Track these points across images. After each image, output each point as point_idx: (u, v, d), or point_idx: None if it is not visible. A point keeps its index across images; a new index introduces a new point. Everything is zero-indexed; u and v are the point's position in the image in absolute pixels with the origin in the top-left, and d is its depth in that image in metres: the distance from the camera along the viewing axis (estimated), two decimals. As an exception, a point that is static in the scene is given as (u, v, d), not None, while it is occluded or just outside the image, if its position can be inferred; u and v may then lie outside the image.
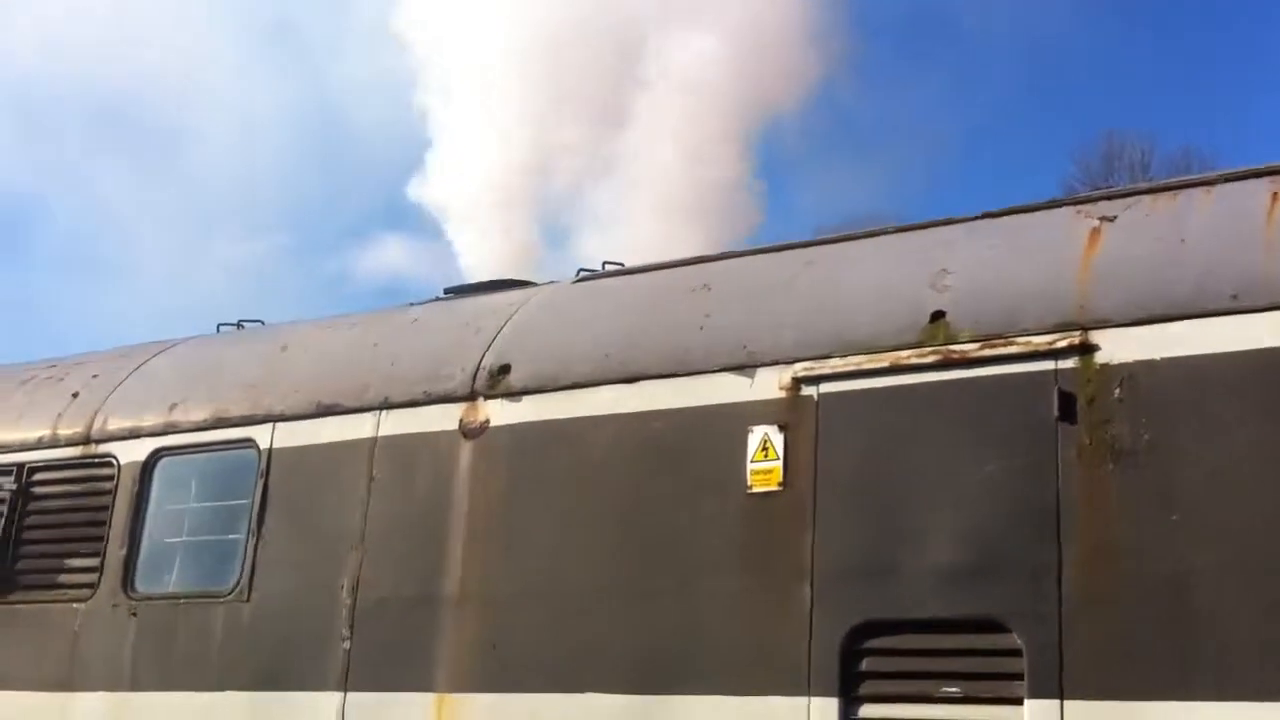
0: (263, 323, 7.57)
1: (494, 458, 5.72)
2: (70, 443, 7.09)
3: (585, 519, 5.40)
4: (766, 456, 5.07)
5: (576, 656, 5.25)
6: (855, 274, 5.37)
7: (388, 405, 6.10)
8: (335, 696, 5.79)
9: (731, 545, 5.04)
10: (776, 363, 5.16)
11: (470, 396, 5.88)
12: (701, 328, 5.46)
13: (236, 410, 6.58)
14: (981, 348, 4.75)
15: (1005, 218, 5.26)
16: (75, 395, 7.26)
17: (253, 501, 6.30)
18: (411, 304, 6.99)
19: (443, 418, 5.91)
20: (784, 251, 5.78)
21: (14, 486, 7.12)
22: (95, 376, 7.33)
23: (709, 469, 5.16)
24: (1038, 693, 4.35)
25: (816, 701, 4.71)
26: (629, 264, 6.47)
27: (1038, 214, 5.21)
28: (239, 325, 7.57)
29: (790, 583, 4.87)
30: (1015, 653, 4.42)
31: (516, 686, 5.37)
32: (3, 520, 7.07)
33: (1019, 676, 4.40)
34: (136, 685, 6.39)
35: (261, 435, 6.41)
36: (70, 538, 6.92)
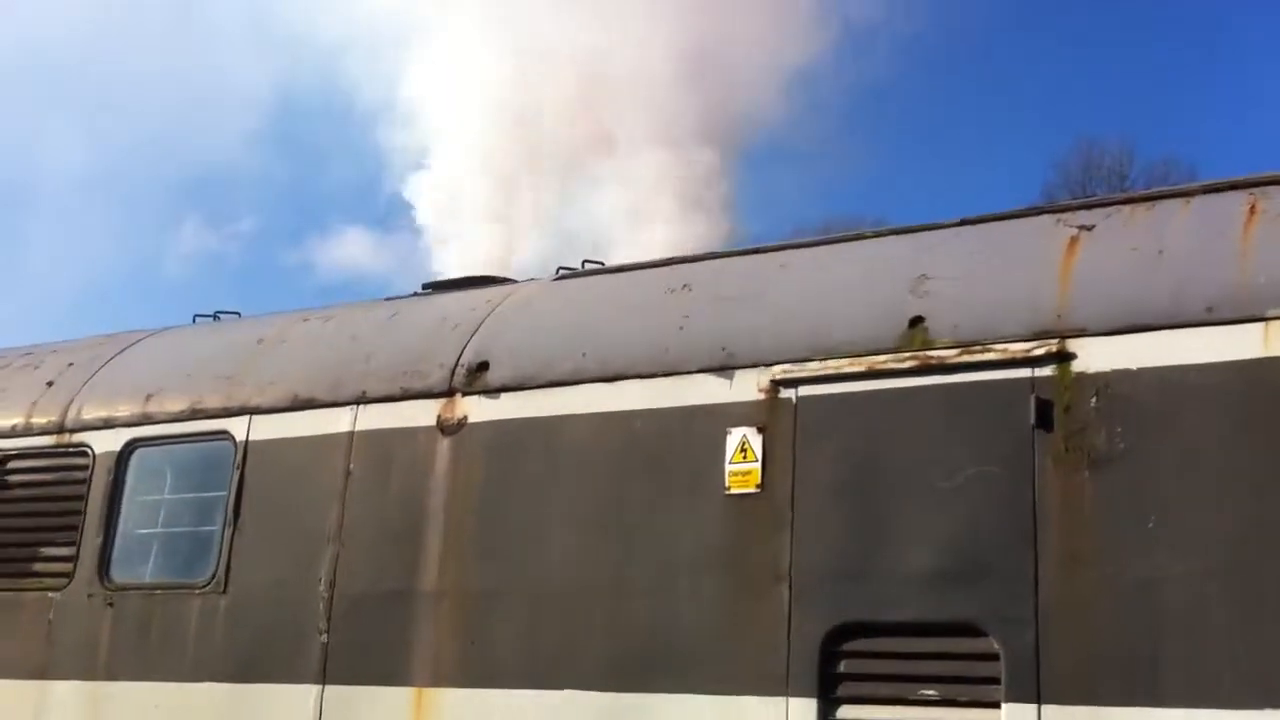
0: (239, 314, 7.55)
1: (472, 454, 5.73)
2: (44, 431, 7.06)
3: (563, 517, 5.42)
4: (745, 458, 5.11)
5: (554, 653, 5.29)
6: (835, 277, 5.40)
7: (365, 400, 6.10)
8: (313, 689, 5.81)
9: (710, 546, 5.08)
10: (756, 364, 5.19)
11: (448, 393, 5.89)
12: (681, 328, 5.48)
13: (213, 402, 6.56)
14: (960, 354, 4.79)
15: (985, 224, 5.30)
16: (50, 384, 7.23)
17: (229, 493, 6.30)
18: (390, 298, 6.98)
19: (420, 413, 5.92)
20: (764, 254, 5.80)
21: (-13, 474, 7.10)
22: (71, 365, 7.29)
23: (688, 469, 5.20)
24: (1015, 697, 4.42)
25: (795, 702, 4.76)
26: (608, 263, 6.48)
27: (1017, 221, 5.25)
28: (215, 316, 7.54)
29: (768, 584, 4.92)
30: (992, 657, 4.49)
31: (494, 682, 5.41)
32: None
33: (996, 680, 4.46)
34: (112, 674, 6.39)
35: (238, 427, 6.41)
36: (45, 526, 6.91)
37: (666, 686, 5.03)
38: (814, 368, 5.05)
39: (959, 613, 4.58)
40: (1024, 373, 4.67)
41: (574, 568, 5.35)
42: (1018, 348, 4.70)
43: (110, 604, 6.47)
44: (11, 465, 7.12)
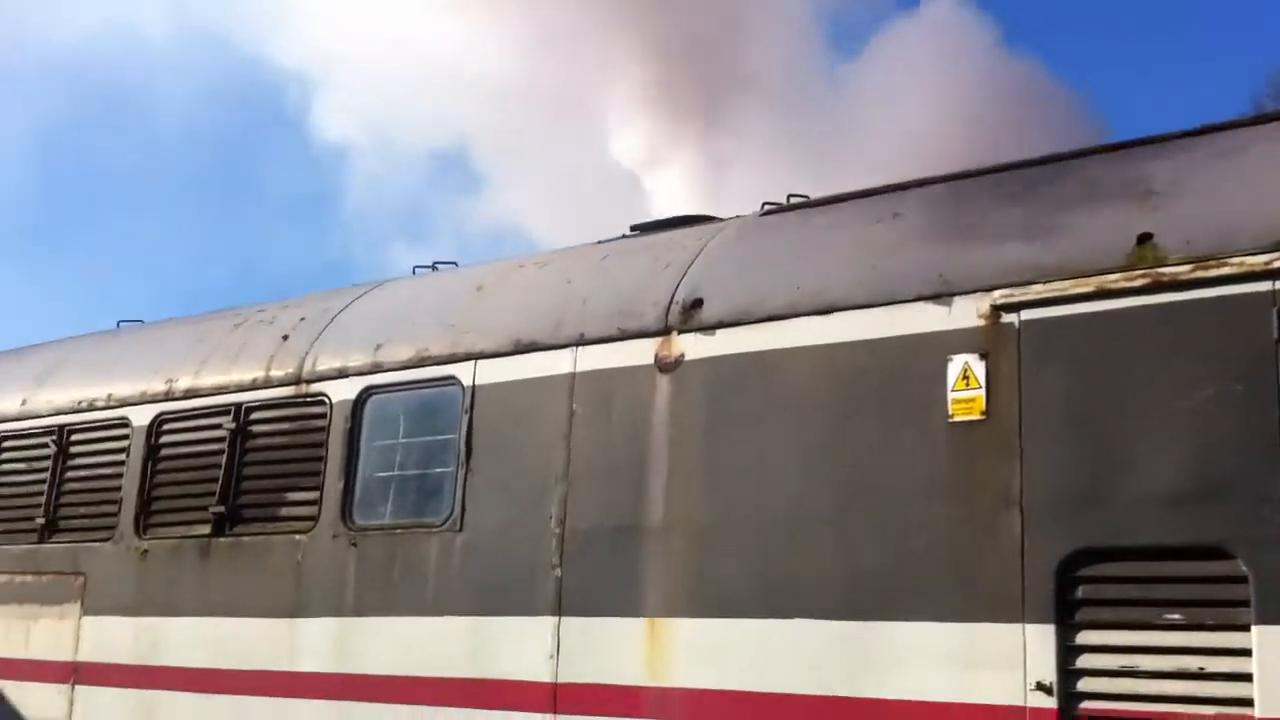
0: (455, 264, 7.79)
1: (691, 391, 5.82)
2: (283, 383, 7.42)
3: (785, 450, 5.47)
4: (968, 385, 5.07)
5: (784, 583, 5.36)
6: (1056, 196, 5.26)
7: (584, 341, 6.24)
8: (550, 621, 6.03)
9: (935, 474, 5.07)
10: (974, 290, 5.12)
11: (664, 331, 5.98)
12: (894, 256, 5.44)
13: (438, 349, 6.80)
14: (1193, 270, 4.64)
15: (1215, 134, 5.09)
16: (285, 338, 7.58)
17: (459, 436, 6.53)
18: (599, 241, 7.10)
19: (638, 352, 6.03)
20: (977, 176, 5.70)
21: (233, 425, 7.51)
22: (303, 319, 7.64)
23: (909, 399, 5.18)
24: (1266, 618, 4.31)
25: (1031, 628, 4.75)
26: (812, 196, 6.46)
27: (1249, 129, 5.03)
28: (434, 267, 7.80)
29: (998, 511, 4.89)
30: (1240, 579, 4.39)
31: (726, 612, 5.51)
32: (225, 457, 7.49)
33: (1245, 603, 4.37)
34: (360, 611, 6.73)
35: (464, 372, 6.63)
36: (288, 473, 7.27)
37: (898, 614, 5.07)
38: (1037, 290, 4.97)
39: (1203, 535, 4.48)
40: (1264, 286, 4.50)
41: (799, 499, 5.41)
42: (1256, 260, 4.52)
43: (354, 544, 6.81)
44: (255, 416, 7.51)
